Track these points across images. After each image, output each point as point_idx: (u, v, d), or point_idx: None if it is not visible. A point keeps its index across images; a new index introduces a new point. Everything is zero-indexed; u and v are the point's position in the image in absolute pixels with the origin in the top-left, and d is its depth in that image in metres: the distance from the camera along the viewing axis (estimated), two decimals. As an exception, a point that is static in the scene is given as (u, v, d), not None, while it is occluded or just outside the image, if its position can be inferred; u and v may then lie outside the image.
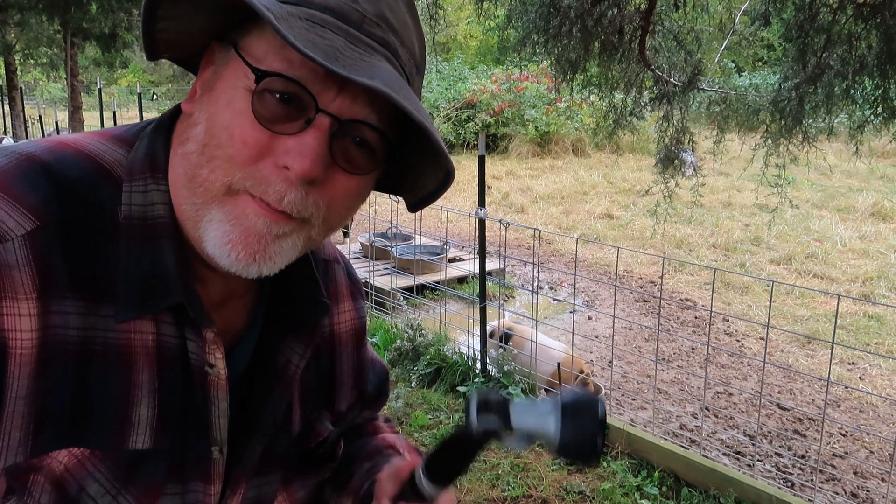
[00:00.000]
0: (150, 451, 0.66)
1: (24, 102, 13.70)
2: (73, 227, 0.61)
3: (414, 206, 0.73)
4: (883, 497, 3.18)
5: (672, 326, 5.48)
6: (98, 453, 0.63)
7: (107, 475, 0.64)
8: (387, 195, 0.95)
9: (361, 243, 6.59)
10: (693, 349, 4.99)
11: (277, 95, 0.59)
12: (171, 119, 0.70)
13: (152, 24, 0.61)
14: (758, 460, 3.41)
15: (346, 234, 7.09)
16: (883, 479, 3.35)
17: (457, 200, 10.03)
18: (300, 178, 0.60)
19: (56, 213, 0.61)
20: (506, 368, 3.80)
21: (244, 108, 0.60)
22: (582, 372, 3.72)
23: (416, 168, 0.71)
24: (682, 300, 6.00)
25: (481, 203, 3.79)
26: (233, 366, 0.73)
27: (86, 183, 0.64)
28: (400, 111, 0.59)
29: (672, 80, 3.78)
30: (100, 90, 9.74)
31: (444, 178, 0.68)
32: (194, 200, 0.63)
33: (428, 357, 4.05)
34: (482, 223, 3.87)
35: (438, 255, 6.04)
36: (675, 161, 4.07)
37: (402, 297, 4.89)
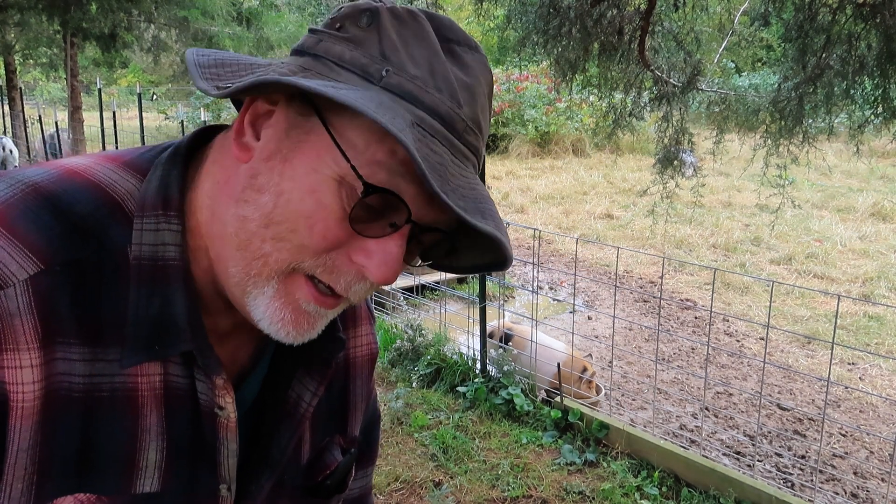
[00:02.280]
0: (158, 494, 0.65)
1: (24, 102, 13.70)
2: (79, 268, 0.59)
3: (439, 266, 0.71)
4: (883, 497, 3.18)
5: (672, 326, 5.48)
6: (105, 499, 0.62)
7: None
8: None
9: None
10: (693, 349, 4.99)
11: (375, 195, 0.57)
12: (188, 149, 0.67)
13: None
14: (758, 460, 3.41)
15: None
16: (883, 480, 3.35)
17: (457, 200, 10.02)
18: (379, 284, 0.60)
19: (62, 255, 0.58)
20: (506, 369, 3.80)
21: (331, 203, 0.57)
22: (585, 370, 3.72)
23: (461, 251, 0.69)
24: (682, 300, 6.00)
25: (481, 203, 3.79)
26: (241, 398, 0.71)
27: (95, 218, 0.61)
28: None
29: (671, 80, 3.78)
30: (100, 90, 9.73)
31: (492, 265, 0.67)
32: (248, 270, 0.60)
33: (428, 357, 4.05)
34: (482, 223, 3.87)
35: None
36: (675, 161, 4.07)
37: (402, 297, 4.89)
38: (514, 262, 6.60)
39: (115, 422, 0.61)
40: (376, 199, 0.57)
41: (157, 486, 0.64)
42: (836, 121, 3.48)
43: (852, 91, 3.19)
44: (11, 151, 9.75)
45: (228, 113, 14.26)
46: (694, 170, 4.49)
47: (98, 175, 0.64)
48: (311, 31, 0.63)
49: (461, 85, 0.60)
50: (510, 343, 3.94)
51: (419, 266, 0.68)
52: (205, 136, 0.69)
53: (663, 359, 4.78)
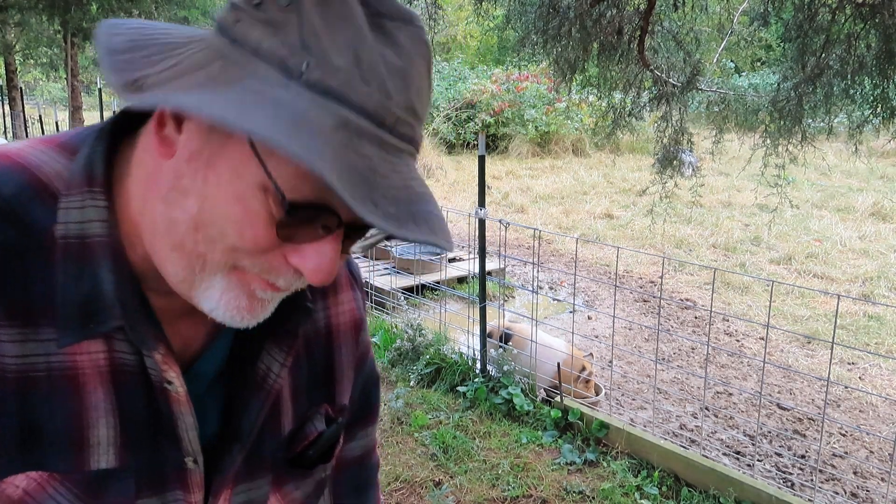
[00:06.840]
0: (116, 469, 0.65)
1: (24, 102, 13.70)
2: (4, 249, 0.59)
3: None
4: (883, 497, 3.19)
5: (672, 326, 5.48)
6: (58, 475, 0.63)
7: (69, 496, 0.64)
8: None
9: (361, 243, 6.58)
10: (693, 349, 4.99)
11: (300, 211, 0.56)
12: (112, 126, 0.66)
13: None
14: (758, 460, 3.41)
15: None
16: (883, 479, 3.35)
17: (457, 200, 10.04)
18: (317, 285, 0.59)
19: None
20: (506, 368, 3.80)
21: (258, 209, 0.55)
22: (584, 369, 3.72)
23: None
24: (682, 300, 6.00)
25: (481, 203, 3.79)
26: (203, 371, 0.72)
27: (19, 199, 0.61)
28: None
29: (671, 80, 3.79)
30: (100, 90, 9.75)
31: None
32: (191, 268, 0.59)
33: (428, 357, 4.06)
34: (482, 223, 3.87)
35: (438, 254, 6.05)
36: (674, 161, 4.08)
37: (402, 297, 4.89)
38: (514, 262, 6.55)
39: (55, 400, 0.62)
40: (304, 209, 0.55)
41: (113, 461, 0.65)
42: (835, 121, 3.49)
43: (851, 91, 3.19)
44: None
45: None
46: (693, 169, 4.49)
47: (28, 157, 0.64)
48: (232, 4, 0.57)
49: (391, 70, 0.55)
50: (510, 342, 3.94)
51: (368, 240, 0.66)
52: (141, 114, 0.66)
53: (663, 358, 4.78)
